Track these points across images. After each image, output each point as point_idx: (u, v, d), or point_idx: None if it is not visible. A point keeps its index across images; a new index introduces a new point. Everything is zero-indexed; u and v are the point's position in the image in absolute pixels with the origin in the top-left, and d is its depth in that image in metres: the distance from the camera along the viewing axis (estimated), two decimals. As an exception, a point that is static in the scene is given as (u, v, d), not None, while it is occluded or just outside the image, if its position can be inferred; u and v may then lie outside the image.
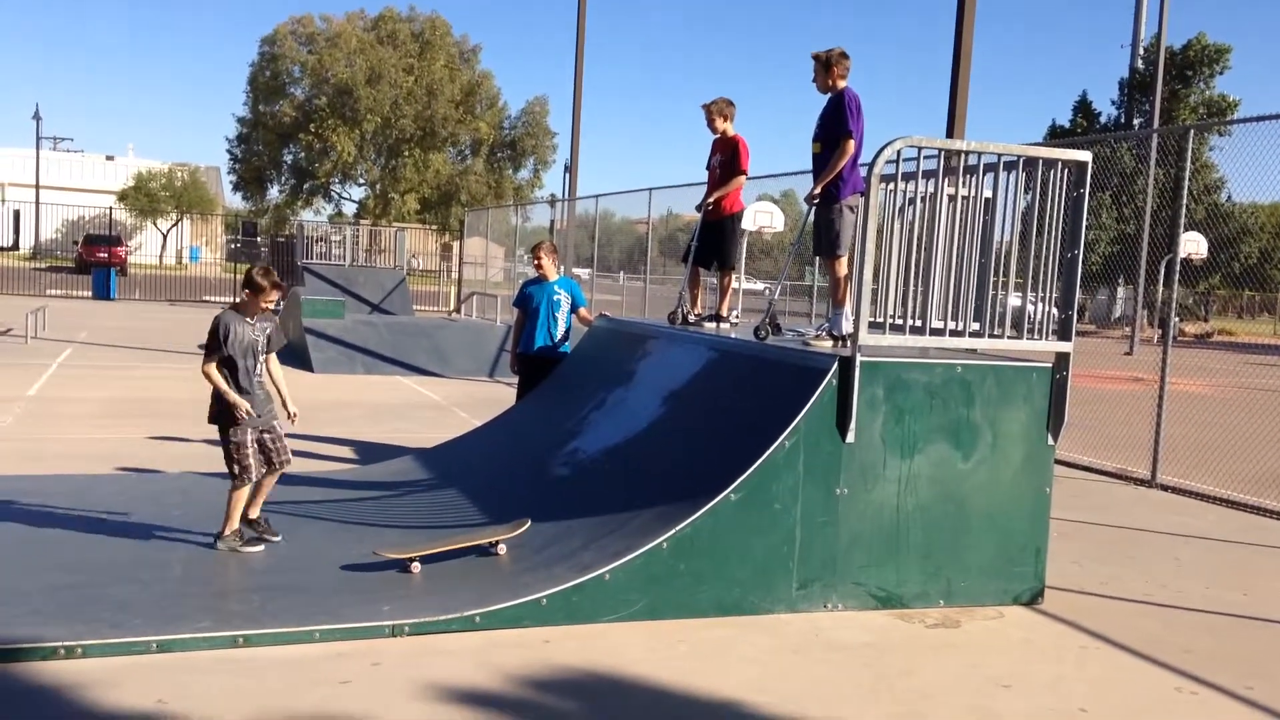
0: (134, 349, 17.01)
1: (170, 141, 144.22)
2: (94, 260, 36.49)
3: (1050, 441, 5.80)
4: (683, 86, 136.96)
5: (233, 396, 5.65)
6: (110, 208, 43.01)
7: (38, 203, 47.27)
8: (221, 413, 5.69)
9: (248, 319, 5.70)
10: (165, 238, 52.65)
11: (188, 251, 52.16)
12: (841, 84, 6.35)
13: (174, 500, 6.83)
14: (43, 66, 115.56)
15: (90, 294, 30.14)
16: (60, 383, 12.66)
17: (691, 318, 7.90)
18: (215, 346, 5.63)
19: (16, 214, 49.74)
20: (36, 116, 52.43)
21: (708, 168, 7.88)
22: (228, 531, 5.73)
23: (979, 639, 5.17)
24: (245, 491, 5.74)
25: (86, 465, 8.01)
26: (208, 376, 5.69)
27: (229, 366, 5.67)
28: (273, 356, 5.89)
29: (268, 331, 5.78)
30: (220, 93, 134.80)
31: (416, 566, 5.41)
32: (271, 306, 5.79)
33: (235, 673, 4.21)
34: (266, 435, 5.81)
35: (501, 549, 5.63)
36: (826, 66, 6.34)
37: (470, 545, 5.62)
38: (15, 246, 48.09)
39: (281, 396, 5.92)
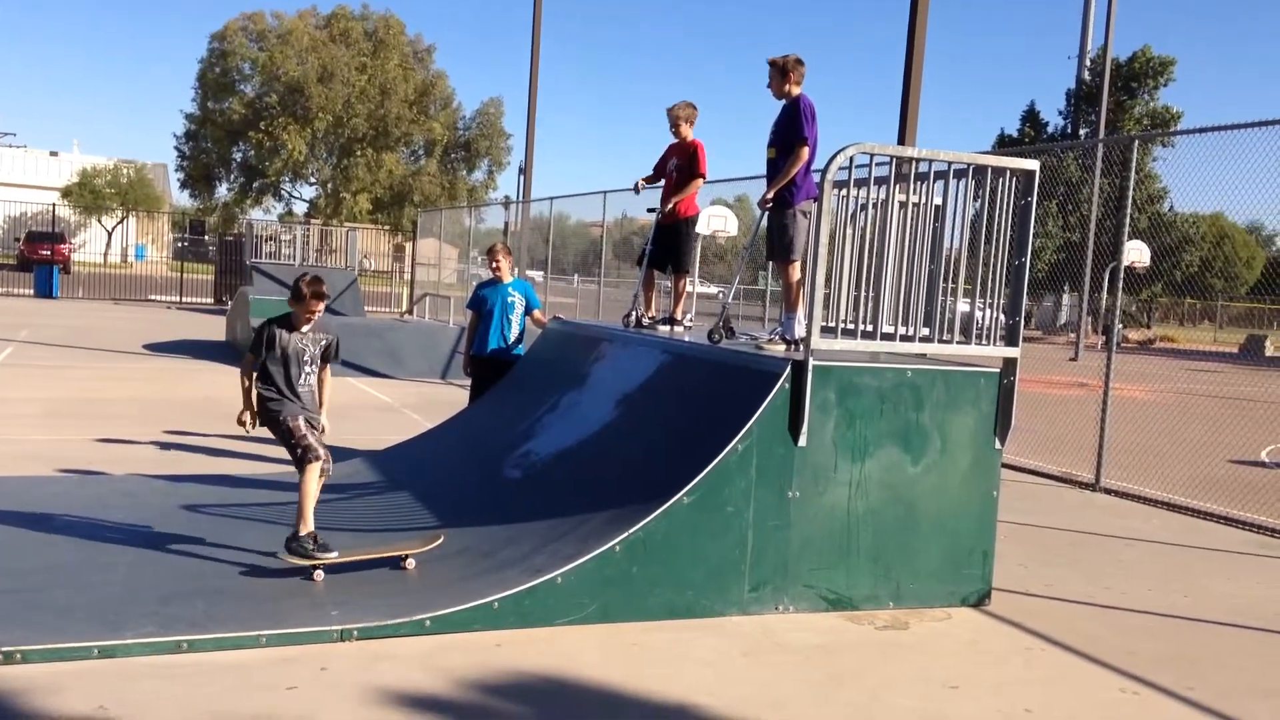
0: (77, 349, 16.67)
1: (117, 138, 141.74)
2: (36, 258, 35.76)
3: (998, 445, 5.88)
4: (636, 89, 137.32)
5: (244, 399, 5.60)
6: (54, 204, 42.16)
7: (-23, 198, 46.11)
8: (261, 411, 5.59)
9: (298, 329, 5.56)
10: (110, 235, 51.66)
11: (133, 250, 51.21)
12: (796, 90, 6.41)
13: (118, 503, 6.69)
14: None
15: (32, 292, 29.55)
16: (0, 383, 12.35)
17: (645, 320, 7.91)
18: (256, 351, 5.57)
19: (-45, 209, 48.55)
20: (-23, 110, 51.22)
21: (662, 171, 7.89)
22: (302, 531, 5.37)
23: (927, 641, 5.23)
24: (316, 473, 5.47)
25: (28, 466, 7.83)
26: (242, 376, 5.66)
27: (269, 372, 5.54)
28: (327, 368, 5.74)
29: (322, 343, 5.66)
30: (168, 89, 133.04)
31: (320, 575, 5.24)
32: (315, 316, 5.61)
33: (178, 679, 4.13)
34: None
35: (410, 563, 5.40)
36: (783, 73, 6.39)
37: (378, 557, 5.44)
38: (-47, 243, 46.93)
39: (321, 406, 5.78)
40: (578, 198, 20.60)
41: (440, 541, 5.54)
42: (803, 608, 5.46)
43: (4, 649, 4.14)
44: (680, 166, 7.76)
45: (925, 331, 6.02)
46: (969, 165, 5.89)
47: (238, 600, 4.94)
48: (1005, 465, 7.29)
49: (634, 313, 7.92)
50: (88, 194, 51.66)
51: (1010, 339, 5.94)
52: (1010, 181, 5.84)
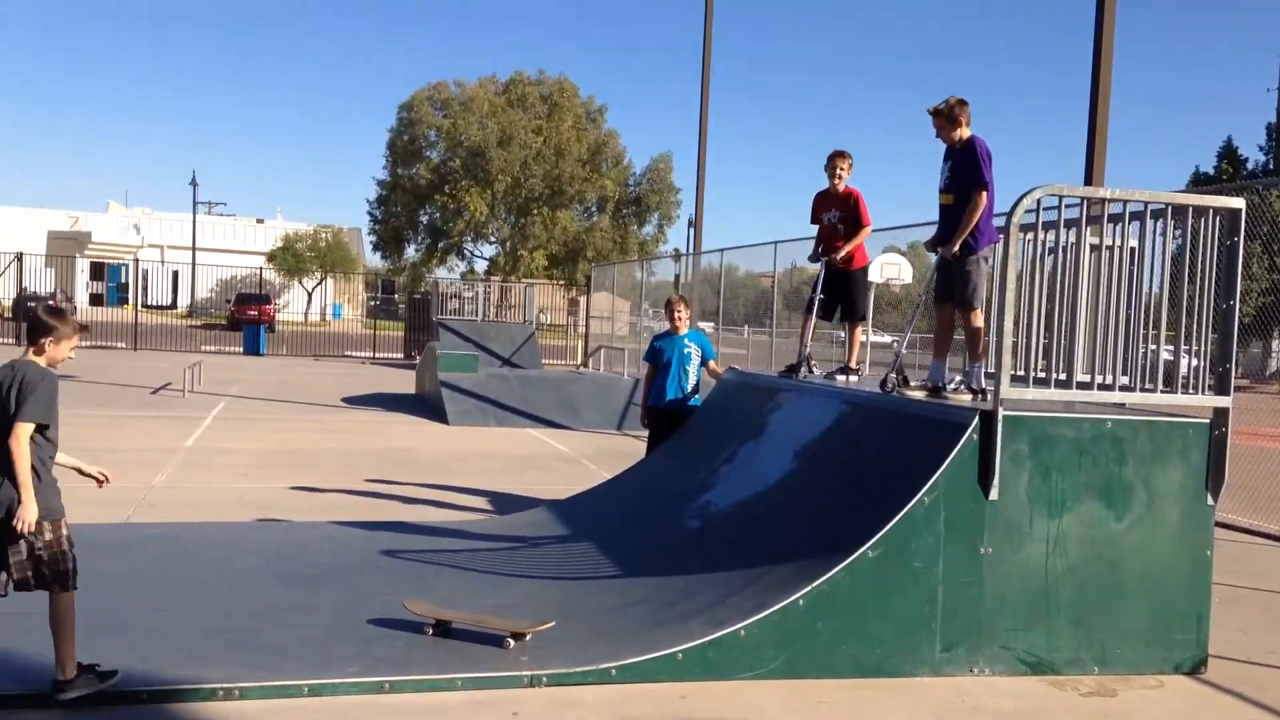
0: (282, 402, 17.80)
1: (316, 205, 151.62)
2: (245, 318, 38.33)
3: (1210, 501, 5.51)
4: (803, 139, 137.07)
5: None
6: (260, 268, 45.36)
7: (194, 264, 50.20)
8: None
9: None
10: (310, 296, 55.12)
11: (331, 309, 54.47)
12: (968, 132, 6.20)
13: (321, 547, 7.08)
14: (200, 137, 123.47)
15: (241, 350, 31.66)
16: (214, 435, 13.32)
17: (817, 370, 7.88)
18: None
19: (175, 275, 52.99)
20: (193, 183, 55.81)
21: (821, 223, 7.91)
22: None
23: (1138, 710, 4.90)
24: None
25: (239, 513, 8.38)
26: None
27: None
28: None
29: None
30: (362, 158, 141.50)
31: (430, 631, 5.19)
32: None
33: (382, 718, 4.31)
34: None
35: (510, 643, 5.03)
36: (950, 118, 6.20)
37: (488, 629, 5.17)
38: (174, 305, 51.13)
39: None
40: (747, 249, 20.71)
41: (551, 625, 5.23)
42: (999, 670, 5.22)
43: (223, 685, 4.43)
44: (844, 218, 7.77)
45: (1124, 380, 5.73)
46: (1167, 205, 5.61)
47: (435, 642, 5.12)
48: (1218, 524, 6.80)
49: (802, 363, 7.91)
50: (290, 257, 55.33)
51: (1220, 387, 5.57)
52: (1213, 221, 5.52)
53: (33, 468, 4.13)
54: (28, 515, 4.09)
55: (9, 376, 4.20)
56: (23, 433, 4.11)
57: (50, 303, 4.88)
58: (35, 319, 4.29)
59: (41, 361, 4.28)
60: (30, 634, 4.85)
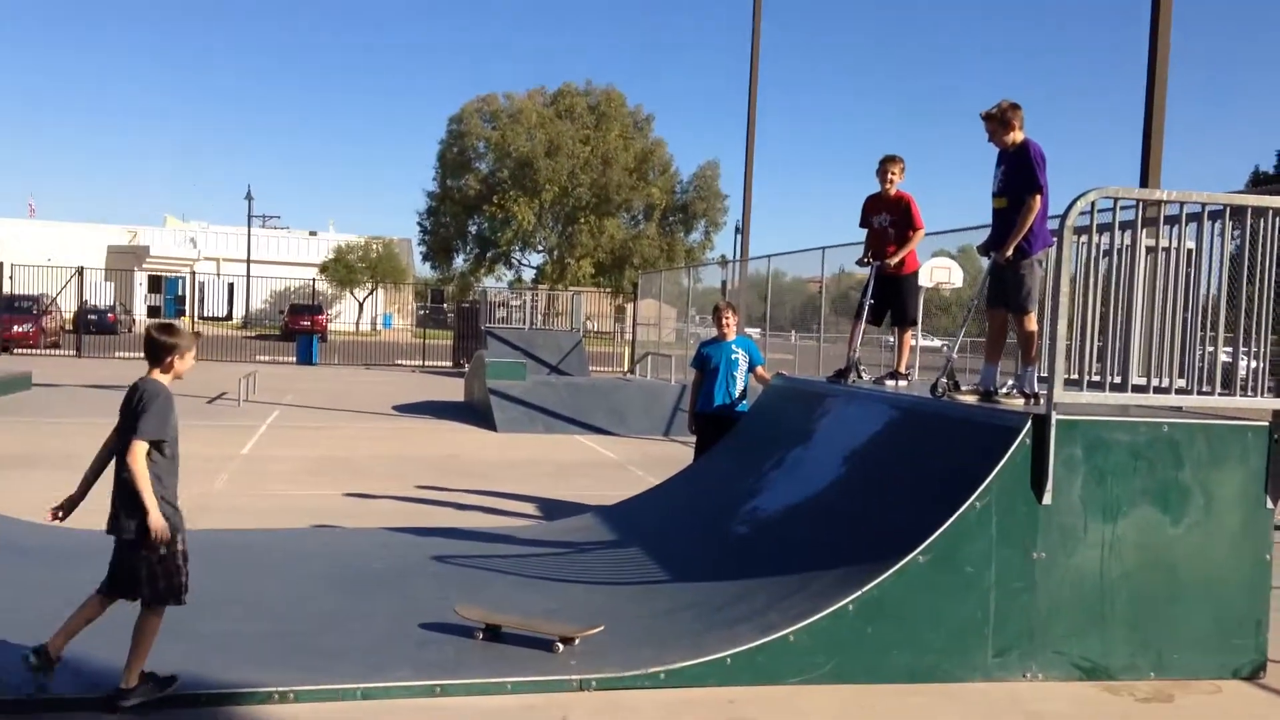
0: (335, 410, 18.06)
1: (367, 216, 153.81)
2: (298, 328, 39.02)
3: (1269, 505, 5.39)
4: (851, 142, 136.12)
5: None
6: (313, 279, 46.11)
7: (249, 276, 51.13)
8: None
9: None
10: (361, 306, 55.87)
11: (381, 319, 55.17)
12: (1021, 135, 6.13)
13: (374, 553, 7.17)
14: (255, 152, 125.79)
15: (295, 359, 32.16)
16: (269, 443, 13.56)
17: (866, 375, 7.82)
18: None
19: (230, 287, 53.96)
20: (248, 197, 56.80)
21: (871, 226, 7.83)
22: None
23: (1195, 715, 4.82)
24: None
25: (293, 519, 8.52)
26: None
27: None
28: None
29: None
30: (412, 170, 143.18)
31: (480, 635, 5.23)
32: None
33: (433, 721, 4.36)
34: None
35: (559, 648, 5.06)
36: (1003, 121, 6.13)
37: (538, 634, 5.19)
38: (229, 317, 52.07)
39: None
40: (794, 255, 20.61)
41: (600, 630, 5.26)
42: (1053, 676, 5.15)
43: (279, 689, 4.50)
44: (895, 221, 7.68)
45: (1181, 383, 5.63)
46: (1225, 206, 5.51)
47: (485, 647, 5.17)
48: (1278, 527, 6.65)
49: (852, 368, 7.85)
50: (342, 269, 56.15)
51: (1281, 389, 5.46)
52: (1274, 221, 5.41)
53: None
54: (156, 527, 4.17)
55: (133, 395, 4.31)
56: (138, 450, 4.20)
57: (160, 321, 4.98)
58: (156, 341, 4.37)
59: (167, 379, 4.37)
60: (91, 640, 4.98)
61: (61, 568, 6.27)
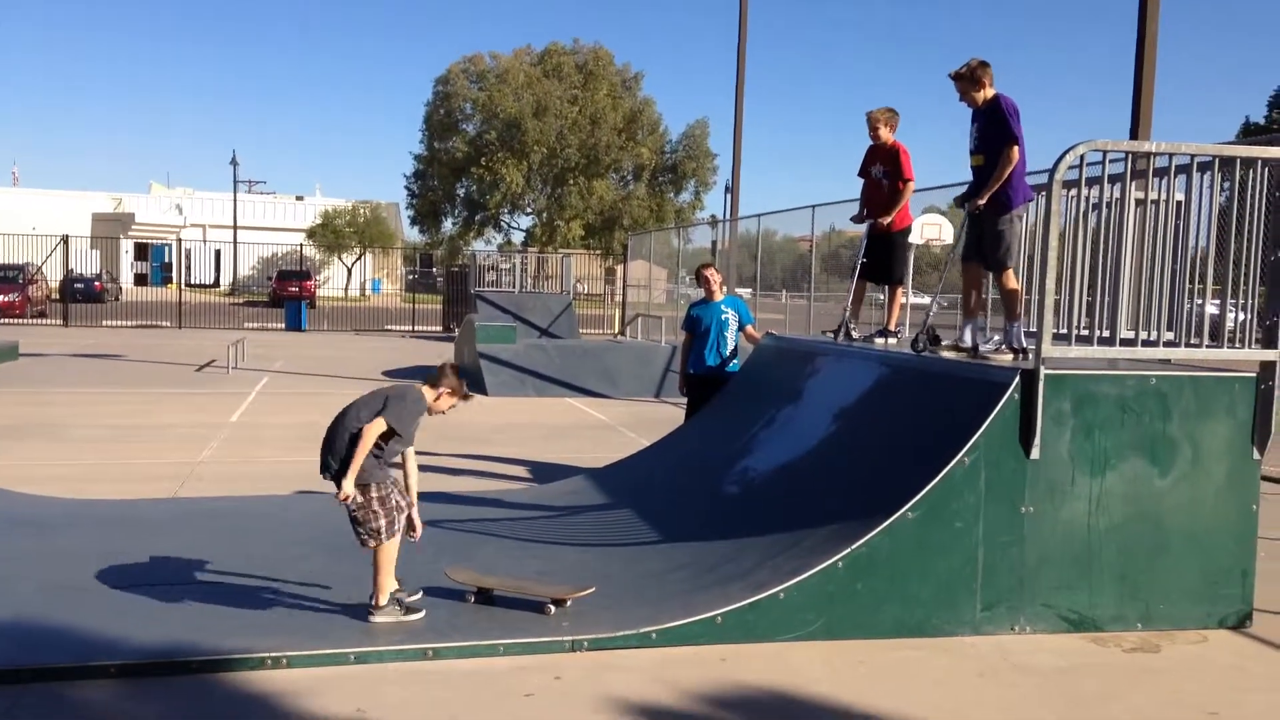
0: (324, 376, 18.02)
1: (354, 181, 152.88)
2: (286, 294, 38.79)
3: (1256, 456, 5.42)
4: (839, 100, 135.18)
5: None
6: (300, 245, 45.80)
7: (235, 242, 50.81)
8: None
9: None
10: (350, 271, 55.57)
11: (370, 284, 54.93)
12: (992, 91, 6.05)
13: (364, 518, 7.16)
14: (239, 116, 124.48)
15: (283, 326, 32.03)
16: (259, 410, 13.53)
17: (856, 334, 7.78)
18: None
19: (217, 254, 53.61)
20: (233, 162, 56.28)
21: (869, 177, 7.71)
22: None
23: (1181, 664, 4.87)
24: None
25: (283, 485, 8.51)
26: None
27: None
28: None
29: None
30: (399, 133, 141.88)
31: (471, 598, 5.25)
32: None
33: (427, 684, 4.38)
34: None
35: (550, 609, 5.08)
36: (973, 80, 6.05)
37: (530, 596, 5.22)
38: (216, 284, 51.76)
39: None
40: (785, 213, 20.53)
41: (591, 591, 5.27)
42: (1041, 628, 5.20)
43: (271, 654, 4.52)
44: (887, 172, 7.56)
45: (1169, 336, 5.63)
46: (1214, 157, 5.48)
47: (477, 609, 5.19)
48: (1265, 478, 6.69)
49: (844, 326, 7.79)
50: (329, 234, 55.74)
51: (1268, 341, 5.46)
52: (1262, 172, 5.39)
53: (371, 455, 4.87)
54: (345, 487, 4.88)
55: (397, 390, 5.07)
56: (375, 426, 4.88)
57: (454, 363, 5.98)
58: (448, 369, 5.20)
59: (429, 396, 5.08)
60: (84, 609, 4.98)
61: (49, 536, 6.26)
